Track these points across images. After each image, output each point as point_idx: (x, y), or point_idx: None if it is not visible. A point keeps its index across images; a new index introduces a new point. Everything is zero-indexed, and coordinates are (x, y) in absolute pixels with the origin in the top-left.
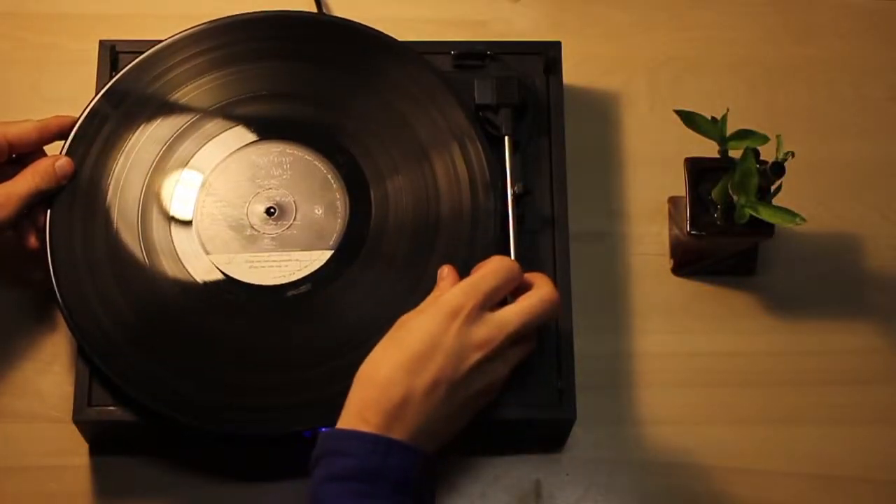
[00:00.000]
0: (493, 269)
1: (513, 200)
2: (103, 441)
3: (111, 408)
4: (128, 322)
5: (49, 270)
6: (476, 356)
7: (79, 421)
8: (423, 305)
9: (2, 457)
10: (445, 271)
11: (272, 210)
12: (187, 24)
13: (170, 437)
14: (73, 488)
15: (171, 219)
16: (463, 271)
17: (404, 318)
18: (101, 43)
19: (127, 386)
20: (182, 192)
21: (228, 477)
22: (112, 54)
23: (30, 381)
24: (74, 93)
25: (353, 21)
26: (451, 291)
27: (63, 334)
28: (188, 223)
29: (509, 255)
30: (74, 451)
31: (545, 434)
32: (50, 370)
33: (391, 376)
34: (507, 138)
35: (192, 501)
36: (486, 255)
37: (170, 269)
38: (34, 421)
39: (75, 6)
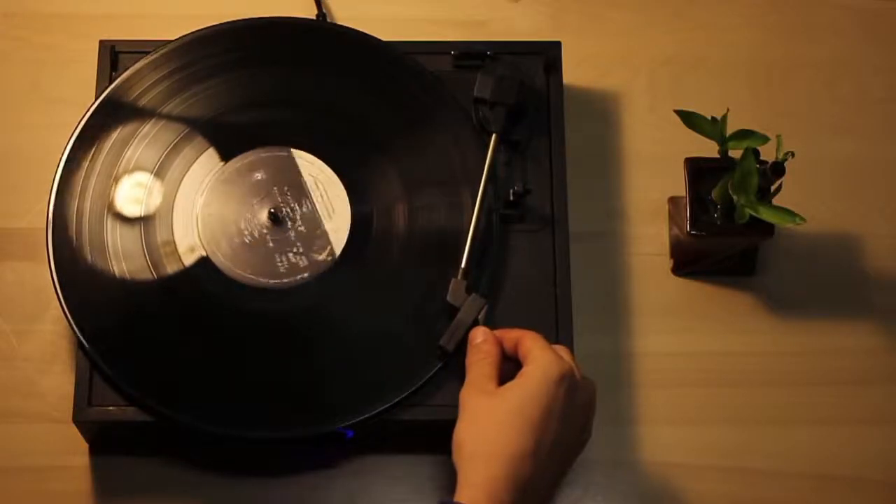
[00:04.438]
0: (539, 339)
1: (481, 196)
2: (103, 441)
3: (111, 408)
4: (128, 322)
5: (50, 270)
6: (581, 419)
7: (79, 421)
8: (473, 373)
9: (2, 457)
10: (480, 335)
11: (275, 215)
12: (188, 24)
13: (170, 436)
14: (73, 488)
15: (173, 220)
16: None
17: (493, 391)
18: (101, 43)
19: (127, 386)
20: (185, 194)
21: (229, 477)
22: (112, 54)
23: (30, 381)
24: (74, 93)
25: (351, 28)
26: (547, 359)
27: (63, 334)
28: (190, 225)
29: (497, 252)
30: (74, 451)
31: None
32: (50, 370)
33: (521, 451)
34: (494, 136)
35: (192, 501)
36: (486, 260)
37: (171, 270)
38: (34, 421)
39: (75, 6)
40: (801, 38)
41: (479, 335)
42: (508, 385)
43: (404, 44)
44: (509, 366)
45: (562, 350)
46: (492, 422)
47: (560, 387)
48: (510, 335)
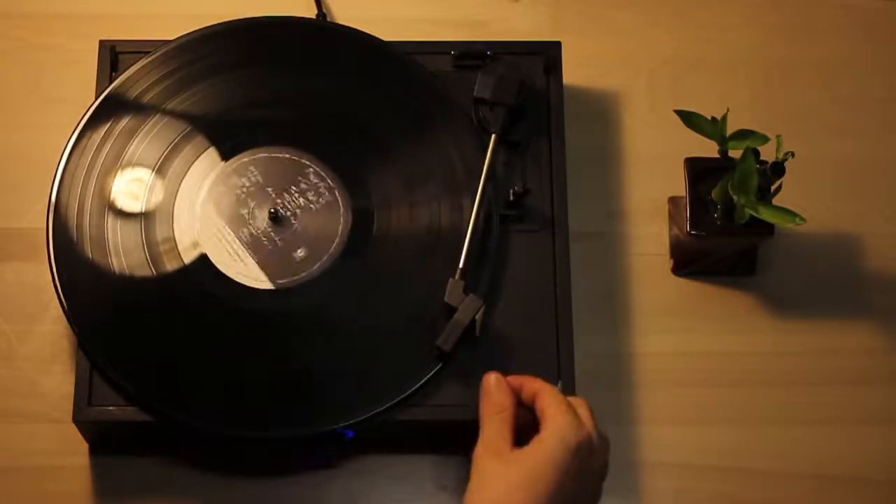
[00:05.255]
0: (558, 396)
1: (480, 196)
2: (103, 441)
3: (111, 408)
4: (129, 322)
5: (50, 270)
6: (595, 484)
7: (79, 421)
8: (487, 430)
9: (2, 457)
10: (493, 383)
11: (275, 215)
12: (188, 24)
13: (170, 436)
14: (73, 488)
15: (173, 220)
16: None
17: (507, 456)
18: (101, 43)
19: (127, 386)
20: (185, 193)
21: (229, 477)
22: (112, 54)
23: (30, 381)
24: (74, 93)
25: (351, 28)
26: (565, 425)
27: (63, 334)
28: (191, 224)
29: (496, 253)
30: (74, 451)
31: None
32: (50, 370)
33: None
34: (494, 136)
35: (192, 501)
36: (485, 260)
37: (171, 270)
38: (34, 421)
39: (75, 6)
40: (801, 38)
41: (493, 383)
42: (523, 451)
43: (404, 44)
44: (524, 413)
45: (581, 407)
46: (504, 489)
47: (576, 456)
48: (529, 386)
